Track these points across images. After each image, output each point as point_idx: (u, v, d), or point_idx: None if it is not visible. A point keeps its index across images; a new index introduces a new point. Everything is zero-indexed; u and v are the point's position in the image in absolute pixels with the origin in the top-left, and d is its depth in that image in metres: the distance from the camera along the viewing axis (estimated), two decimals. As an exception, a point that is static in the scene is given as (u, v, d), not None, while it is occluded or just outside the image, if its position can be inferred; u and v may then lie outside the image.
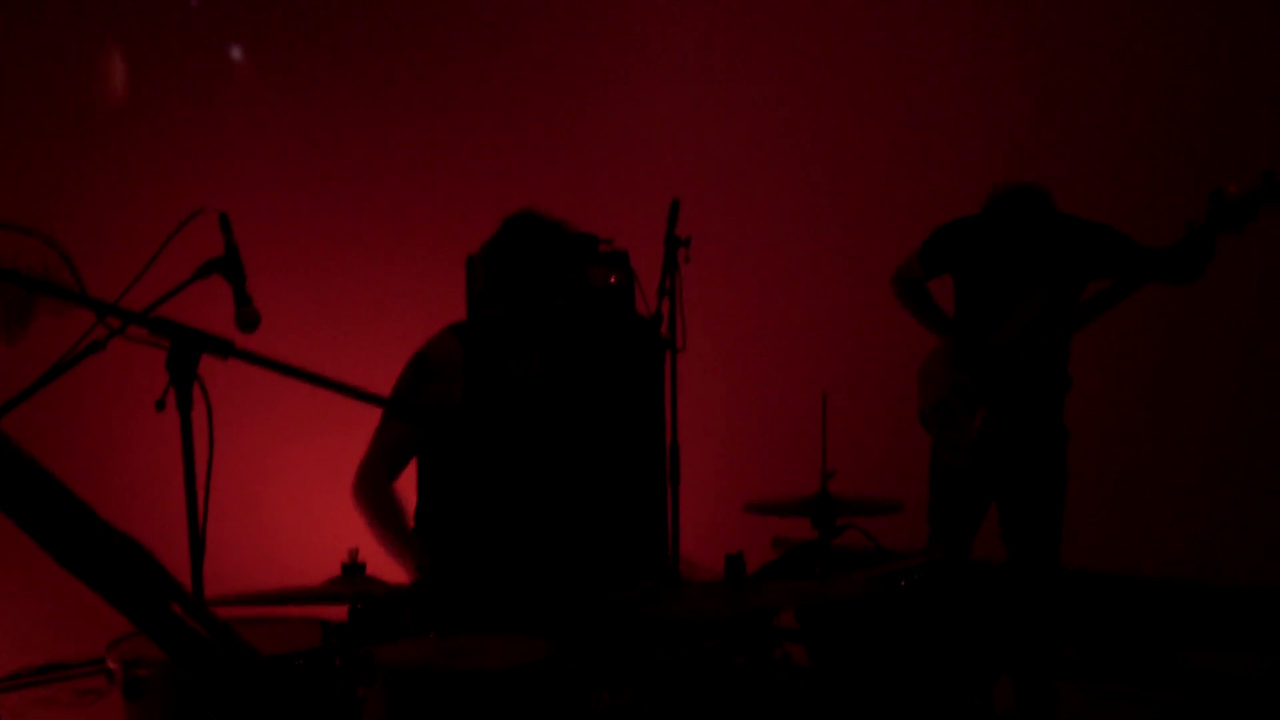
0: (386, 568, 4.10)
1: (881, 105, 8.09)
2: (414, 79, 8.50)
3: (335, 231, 8.30)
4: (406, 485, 4.84)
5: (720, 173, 8.43)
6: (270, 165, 8.14)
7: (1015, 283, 5.51)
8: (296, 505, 7.76)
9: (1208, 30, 7.00)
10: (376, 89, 8.46)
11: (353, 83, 8.43)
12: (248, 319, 3.66)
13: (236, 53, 8.13)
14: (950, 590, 4.78)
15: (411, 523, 4.75)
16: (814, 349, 8.10)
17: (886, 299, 5.88)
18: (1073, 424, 5.58)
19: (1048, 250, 5.48)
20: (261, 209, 7.37)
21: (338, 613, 3.70)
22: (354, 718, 3.45)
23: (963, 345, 5.60)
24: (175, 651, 1.58)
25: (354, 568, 3.71)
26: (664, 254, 5.71)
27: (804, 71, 8.38)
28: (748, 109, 8.57)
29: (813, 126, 8.34)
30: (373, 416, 4.66)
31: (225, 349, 2.97)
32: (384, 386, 4.69)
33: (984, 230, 5.58)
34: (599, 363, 5.33)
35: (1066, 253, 5.48)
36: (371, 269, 8.31)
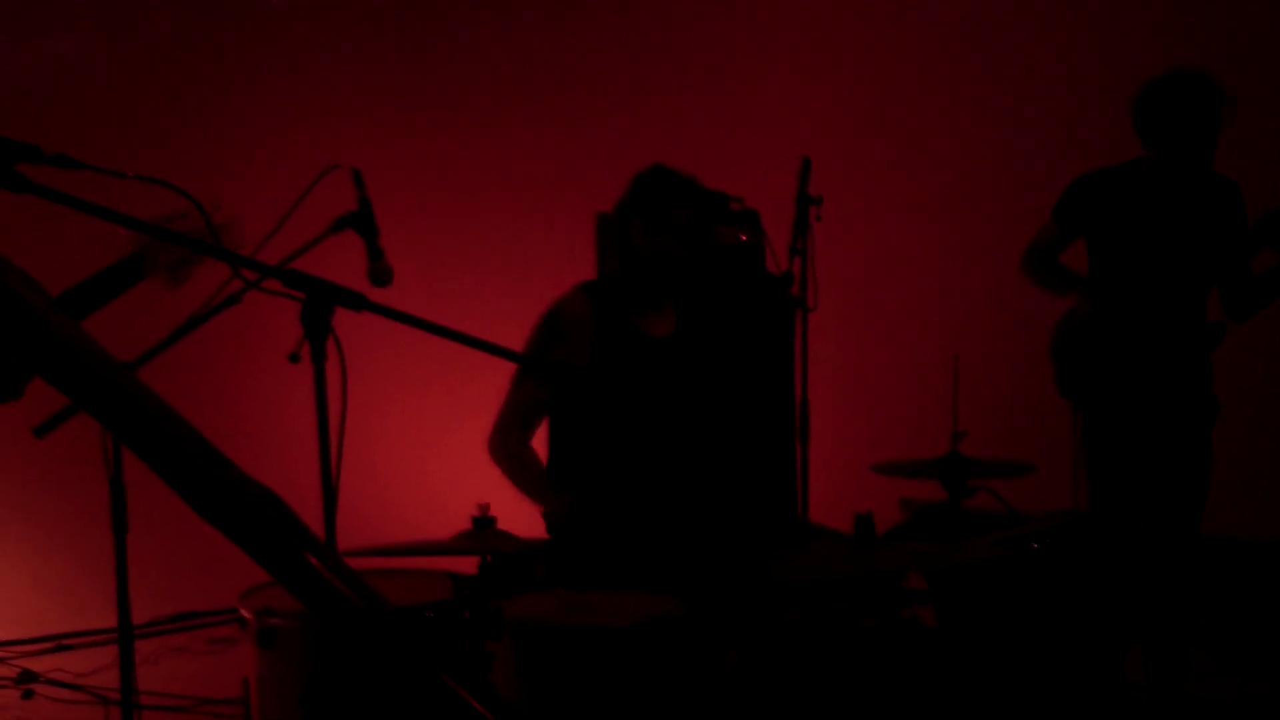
0: (517, 522, 4.12)
1: (1021, 63, 7.97)
2: (544, 36, 8.51)
3: (466, 189, 8.33)
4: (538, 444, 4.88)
5: (853, 132, 8.36)
6: (403, 122, 8.19)
7: (1160, 238, 5.38)
8: (427, 458, 7.82)
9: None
10: (508, 48, 8.47)
11: (484, 42, 8.45)
12: (380, 273, 3.68)
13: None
14: (1084, 554, 4.72)
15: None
16: (946, 310, 8.03)
17: (1021, 259, 5.79)
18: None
19: (1200, 203, 5.35)
20: (394, 165, 7.42)
21: (468, 566, 3.73)
22: (483, 671, 3.47)
23: (1107, 308, 5.46)
24: (310, 601, 1.59)
25: (484, 521, 3.73)
26: (795, 213, 5.69)
27: (939, 29, 8.29)
28: (881, 66, 8.49)
29: (948, 84, 8.24)
30: (504, 371, 4.67)
31: (359, 302, 2.99)
32: (513, 344, 4.71)
33: (1132, 177, 5.43)
34: (729, 321, 5.32)
35: (1216, 210, 5.36)
36: (502, 226, 8.34)
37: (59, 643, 6.76)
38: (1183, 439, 5.40)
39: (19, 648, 6.68)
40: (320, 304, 3.05)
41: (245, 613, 3.69)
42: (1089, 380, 5.53)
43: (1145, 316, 5.37)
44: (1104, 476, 5.52)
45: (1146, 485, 5.43)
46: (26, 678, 6.33)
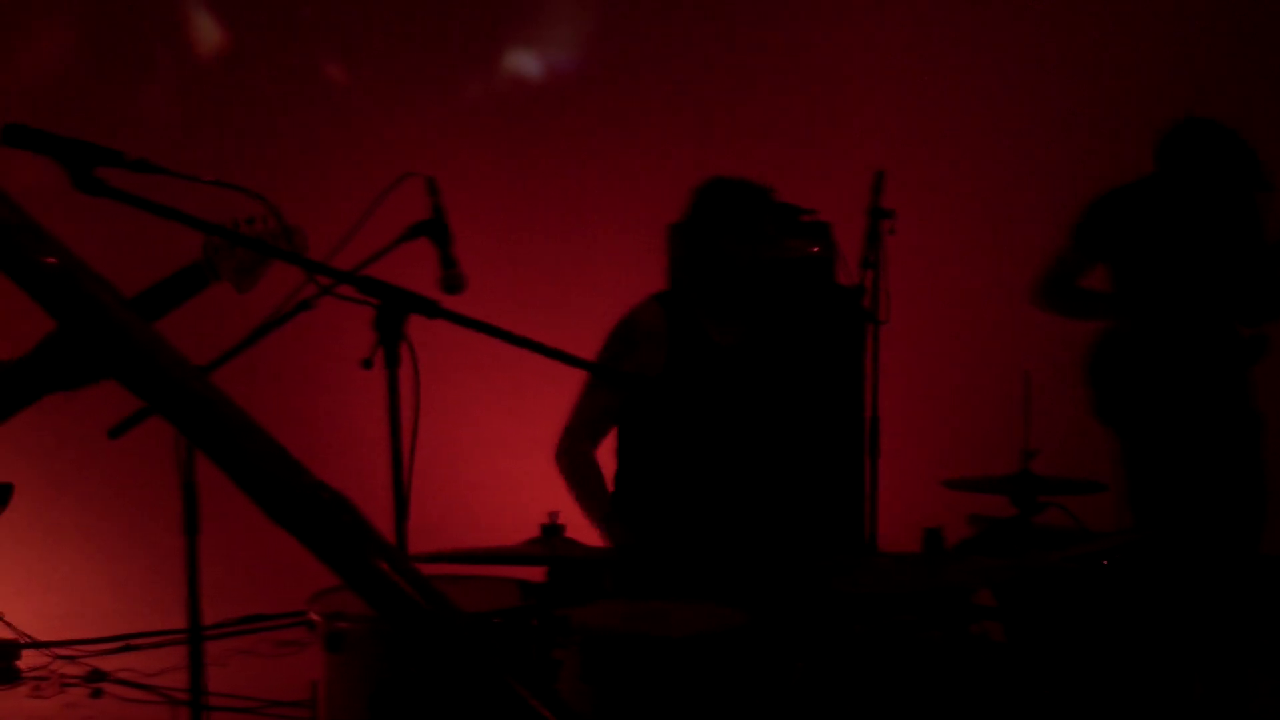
0: (585, 531, 4.12)
1: (1098, 80, 7.92)
2: (616, 48, 8.52)
3: (538, 197, 8.35)
4: (606, 451, 4.87)
5: (927, 145, 8.33)
6: (476, 131, 8.22)
7: (1189, 251, 5.31)
8: (497, 465, 7.83)
9: None
10: (579, 60, 8.49)
11: (554, 55, 8.48)
12: (453, 281, 3.70)
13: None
14: (1154, 572, 4.68)
15: (610, 488, 4.78)
16: (1018, 325, 7.97)
17: (1093, 276, 5.74)
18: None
19: (1220, 211, 5.30)
20: (467, 174, 7.45)
21: (536, 573, 3.74)
22: (550, 679, 3.48)
23: (1144, 327, 5.40)
24: (378, 605, 1.60)
25: (553, 529, 3.74)
26: (867, 226, 5.67)
27: (1014, 44, 8.25)
28: (955, 80, 8.45)
29: (1024, 98, 8.20)
30: (575, 379, 4.69)
31: (432, 309, 3.00)
32: (585, 353, 4.71)
33: (1154, 193, 5.40)
34: (800, 333, 5.31)
35: (1233, 215, 5.31)
36: (573, 235, 8.35)
37: (127, 642, 6.81)
38: (1232, 457, 5.34)
39: (88, 646, 6.74)
40: (394, 310, 3.07)
41: (314, 616, 3.70)
42: (1131, 404, 5.46)
43: (1183, 333, 5.31)
44: (1149, 500, 5.45)
45: (1198, 507, 5.37)
46: (96, 677, 6.39)
